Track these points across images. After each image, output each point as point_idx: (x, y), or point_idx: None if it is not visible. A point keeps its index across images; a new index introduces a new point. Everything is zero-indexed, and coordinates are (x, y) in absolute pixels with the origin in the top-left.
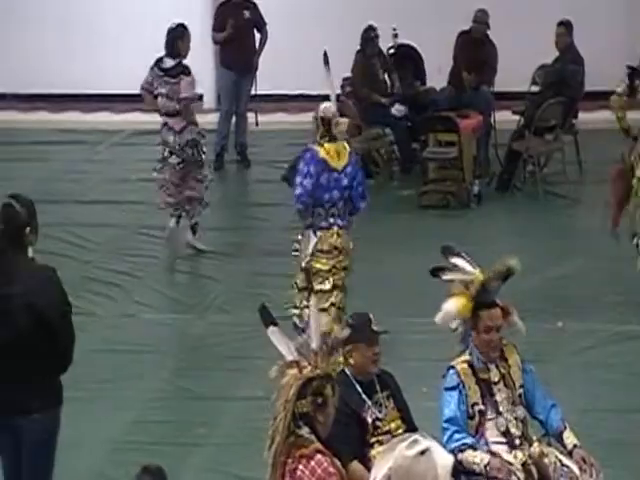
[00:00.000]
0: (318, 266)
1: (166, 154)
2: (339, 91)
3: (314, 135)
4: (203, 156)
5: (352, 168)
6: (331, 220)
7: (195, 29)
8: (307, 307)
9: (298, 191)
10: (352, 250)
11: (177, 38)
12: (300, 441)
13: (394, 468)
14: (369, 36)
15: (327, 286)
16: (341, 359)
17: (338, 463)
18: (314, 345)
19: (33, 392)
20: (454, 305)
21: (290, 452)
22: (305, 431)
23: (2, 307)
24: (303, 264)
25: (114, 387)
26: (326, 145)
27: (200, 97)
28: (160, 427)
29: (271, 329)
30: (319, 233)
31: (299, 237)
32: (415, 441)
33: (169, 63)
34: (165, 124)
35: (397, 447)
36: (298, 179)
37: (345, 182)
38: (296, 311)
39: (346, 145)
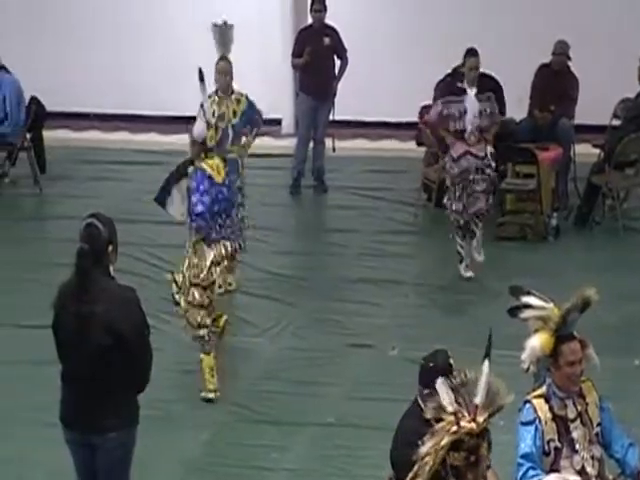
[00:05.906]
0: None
1: None
2: (417, 119)
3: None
4: None
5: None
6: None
7: (275, 54)
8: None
9: (199, 208)
10: None
11: None
12: None
13: None
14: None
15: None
16: None
17: None
18: (477, 399)
19: (109, 411)
20: (537, 341)
21: None
22: None
23: (83, 326)
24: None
25: (186, 407)
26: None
27: (279, 122)
28: (233, 450)
29: (440, 380)
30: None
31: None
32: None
33: None
34: None
35: None
36: (196, 197)
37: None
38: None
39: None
